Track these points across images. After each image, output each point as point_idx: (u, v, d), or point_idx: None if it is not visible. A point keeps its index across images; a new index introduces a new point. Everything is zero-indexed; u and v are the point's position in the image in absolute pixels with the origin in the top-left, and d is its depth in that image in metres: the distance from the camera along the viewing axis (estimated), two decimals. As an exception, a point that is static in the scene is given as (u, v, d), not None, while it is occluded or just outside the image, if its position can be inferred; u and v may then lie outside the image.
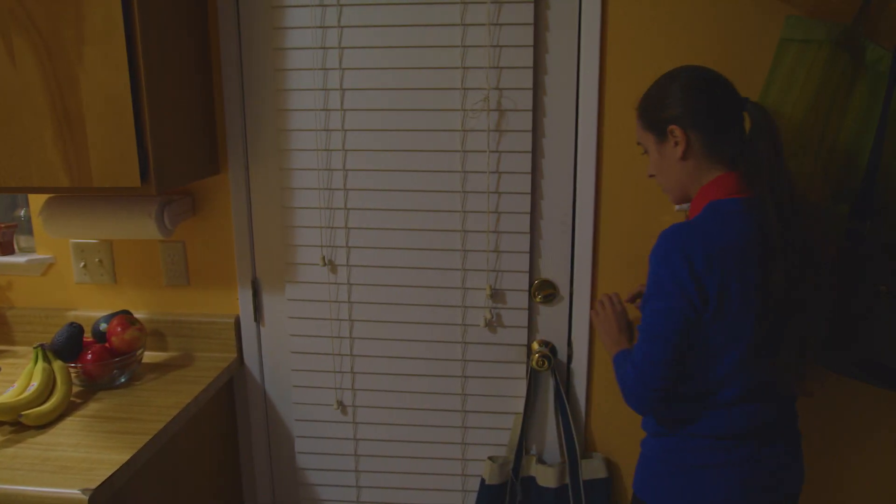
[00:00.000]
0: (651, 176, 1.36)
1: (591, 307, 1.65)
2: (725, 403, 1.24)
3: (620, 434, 1.72)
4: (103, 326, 1.66)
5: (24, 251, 1.87)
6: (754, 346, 1.22)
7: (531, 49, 1.55)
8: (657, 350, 1.22)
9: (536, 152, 1.61)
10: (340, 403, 1.78)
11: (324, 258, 1.70)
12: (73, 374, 1.58)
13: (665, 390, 1.23)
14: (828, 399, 1.64)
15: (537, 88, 1.58)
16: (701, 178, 1.27)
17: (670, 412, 1.28)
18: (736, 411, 1.24)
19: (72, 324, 1.62)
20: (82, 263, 1.81)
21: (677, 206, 1.53)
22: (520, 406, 1.71)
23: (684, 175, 1.28)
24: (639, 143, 1.36)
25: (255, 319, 1.79)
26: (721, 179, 1.25)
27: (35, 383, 1.49)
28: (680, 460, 1.28)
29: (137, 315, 1.77)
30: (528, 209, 1.62)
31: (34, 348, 1.54)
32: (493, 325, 1.70)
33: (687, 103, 1.25)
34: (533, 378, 1.70)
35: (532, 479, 1.71)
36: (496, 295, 1.68)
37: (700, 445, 1.26)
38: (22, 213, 1.87)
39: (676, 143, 1.26)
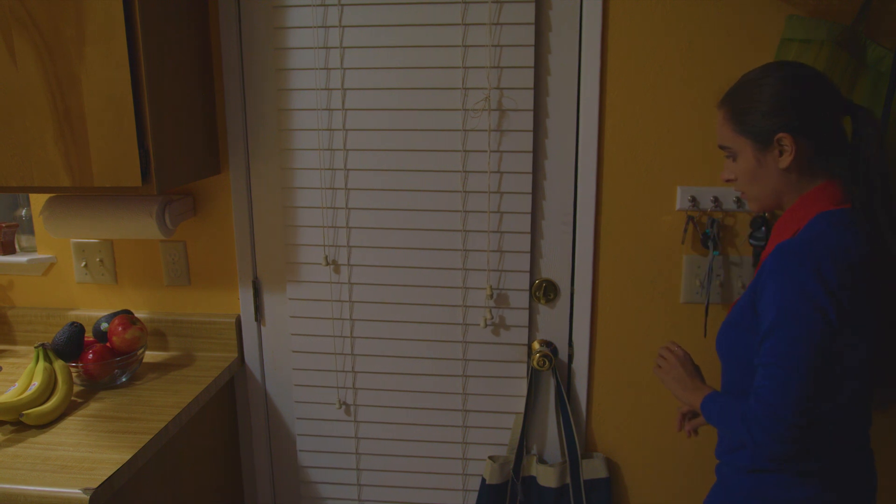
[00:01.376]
0: (729, 181, 1.24)
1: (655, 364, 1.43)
2: (852, 439, 1.15)
3: (621, 434, 1.72)
4: (104, 326, 1.66)
5: (25, 251, 1.87)
6: (874, 368, 1.13)
7: (532, 49, 1.55)
8: (794, 382, 1.05)
9: (537, 152, 1.61)
10: (343, 403, 1.78)
11: (326, 257, 1.70)
12: (74, 374, 1.58)
13: (806, 426, 1.06)
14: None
15: (538, 88, 1.58)
16: (801, 187, 1.17)
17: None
18: (841, 435, 1.14)
19: (73, 323, 1.62)
20: (83, 263, 1.81)
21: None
22: (520, 406, 1.71)
23: (784, 185, 1.18)
24: (722, 147, 1.23)
25: (256, 319, 1.79)
26: (825, 189, 1.15)
27: (36, 383, 1.49)
28: (774, 497, 1.16)
29: (138, 315, 1.77)
30: (529, 209, 1.62)
31: (35, 348, 1.54)
32: (493, 324, 1.70)
33: (797, 108, 1.14)
34: (534, 378, 1.70)
35: (533, 479, 1.71)
36: (497, 295, 1.68)
37: (796, 481, 1.15)
38: (23, 212, 1.87)
39: (782, 153, 1.15)
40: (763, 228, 1.53)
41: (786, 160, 1.15)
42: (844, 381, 1.11)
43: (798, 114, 1.14)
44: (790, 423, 1.05)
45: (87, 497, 1.20)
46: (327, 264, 1.71)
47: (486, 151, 1.61)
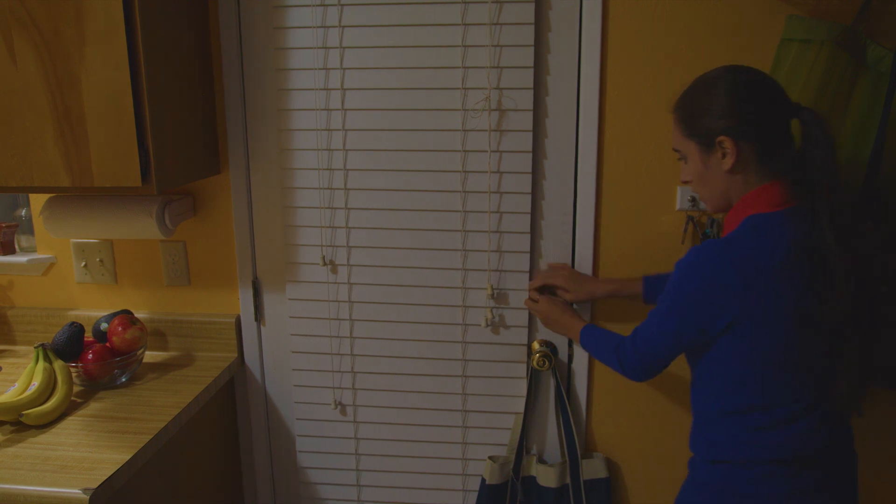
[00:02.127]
0: (686, 182, 1.29)
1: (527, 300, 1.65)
2: (781, 422, 1.18)
3: (621, 434, 1.72)
4: (104, 326, 1.66)
5: (25, 251, 1.87)
6: (802, 365, 1.17)
7: (532, 49, 1.55)
8: (662, 343, 1.25)
9: (537, 152, 1.61)
10: (339, 403, 1.78)
11: (324, 258, 1.70)
12: (73, 374, 1.58)
13: (663, 367, 1.29)
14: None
15: (538, 88, 1.58)
16: (747, 188, 1.21)
17: (725, 432, 1.22)
18: (794, 429, 1.18)
19: (73, 323, 1.62)
20: (83, 263, 1.81)
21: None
22: (520, 406, 1.71)
23: (730, 187, 1.21)
24: (675, 150, 1.28)
25: (256, 319, 1.79)
26: (765, 190, 1.18)
27: (36, 383, 1.49)
28: (743, 490, 1.20)
29: (138, 315, 1.77)
30: (529, 209, 1.62)
31: (35, 348, 1.54)
32: (493, 324, 1.70)
33: (738, 112, 1.17)
34: (533, 378, 1.70)
35: (533, 479, 1.71)
36: (497, 295, 1.68)
37: (764, 473, 1.19)
38: (23, 212, 1.87)
39: (725, 155, 1.18)
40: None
41: (728, 162, 1.18)
42: (758, 373, 1.18)
43: (738, 117, 1.17)
44: (647, 365, 1.28)
45: (86, 497, 1.20)
46: (325, 264, 1.71)
47: (485, 151, 1.61)
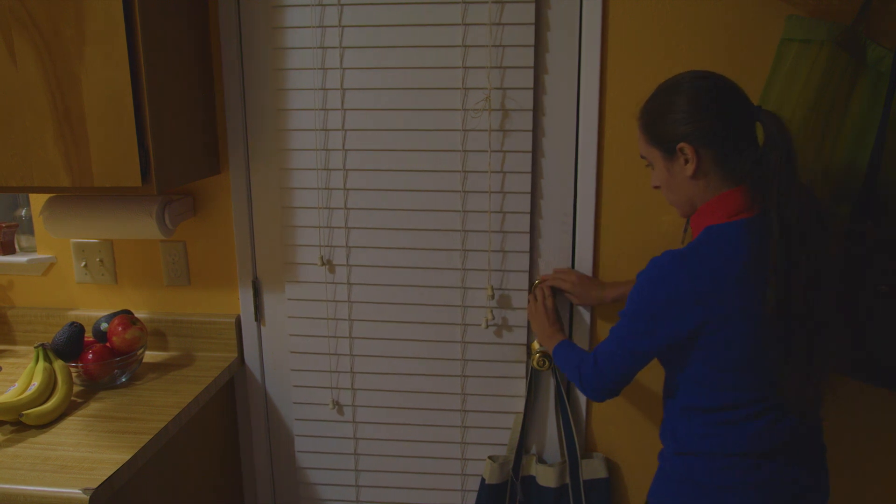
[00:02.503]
0: (656, 187, 1.29)
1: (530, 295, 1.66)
2: (743, 418, 1.20)
3: (621, 434, 1.72)
4: (104, 326, 1.66)
5: (25, 251, 1.87)
6: (763, 367, 1.18)
7: (532, 49, 1.55)
8: (620, 359, 1.26)
9: (537, 152, 1.61)
10: (336, 403, 1.78)
11: (322, 258, 1.70)
12: (73, 374, 1.58)
13: (621, 386, 1.31)
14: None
15: (538, 88, 1.58)
16: (710, 194, 1.21)
17: (687, 426, 1.25)
18: (756, 426, 1.20)
19: (73, 323, 1.62)
20: (83, 263, 1.81)
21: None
22: (520, 405, 1.71)
23: (694, 192, 1.22)
24: (643, 157, 1.29)
25: (256, 319, 1.79)
26: (723, 199, 1.19)
27: (36, 383, 1.49)
28: (703, 480, 1.23)
29: (138, 315, 1.77)
30: (529, 209, 1.62)
31: (35, 348, 1.54)
32: (493, 324, 1.70)
33: (697, 119, 1.17)
34: (533, 377, 1.70)
35: (532, 479, 1.71)
36: (496, 295, 1.68)
37: (724, 465, 1.21)
38: (23, 212, 1.87)
39: (687, 162, 1.19)
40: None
41: (689, 168, 1.19)
42: (721, 377, 1.20)
43: (698, 124, 1.17)
44: (606, 383, 1.30)
45: (86, 497, 1.20)
46: (323, 264, 1.71)
47: (485, 151, 1.61)
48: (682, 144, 1.18)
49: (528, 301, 1.63)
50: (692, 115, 1.17)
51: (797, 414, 1.21)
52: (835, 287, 1.23)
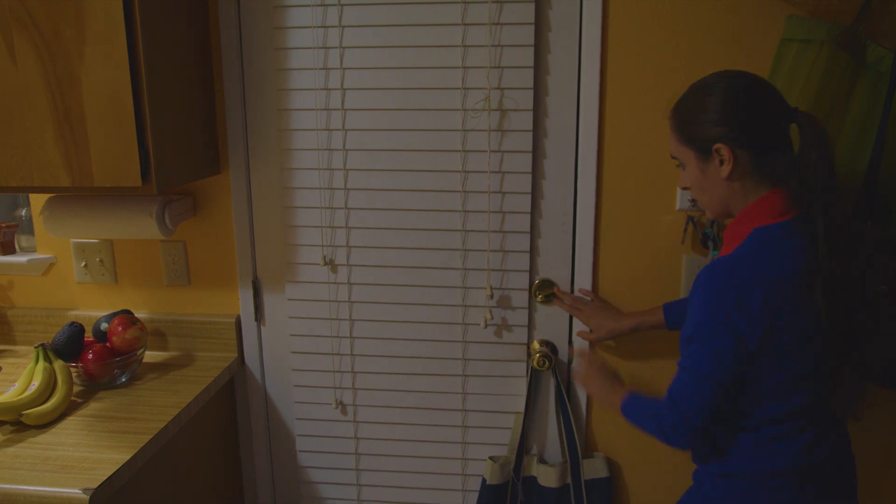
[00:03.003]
0: (685, 188, 1.27)
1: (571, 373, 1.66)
2: (792, 433, 1.17)
3: (622, 433, 1.72)
4: (104, 326, 1.66)
5: (25, 251, 1.87)
6: (815, 375, 1.16)
7: (532, 49, 1.55)
8: (702, 391, 1.16)
9: (537, 152, 1.61)
10: (340, 403, 1.78)
11: (324, 257, 1.70)
12: (73, 374, 1.58)
13: (706, 428, 1.18)
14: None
15: (538, 88, 1.58)
16: (747, 196, 1.18)
17: (736, 446, 1.21)
18: (803, 440, 1.17)
19: (73, 323, 1.62)
20: (83, 263, 1.81)
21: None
22: (520, 405, 1.71)
23: (729, 194, 1.19)
24: (673, 157, 1.26)
25: (256, 319, 1.79)
26: (766, 200, 1.17)
27: (36, 383, 1.49)
28: (747, 502, 1.19)
29: (138, 315, 1.77)
30: (529, 209, 1.62)
31: (35, 348, 1.54)
32: (493, 324, 1.70)
33: (734, 118, 1.15)
34: (533, 377, 1.70)
35: (533, 479, 1.71)
36: (497, 294, 1.68)
37: (773, 486, 1.18)
38: (23, 212, 1.87)
39: (722, 163, 1.16)
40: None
41: (725, 170, 1.16)
42: (774, 389, 1.15)
43: (735, 124, 1.15)
44: (692, 424, 1.17)
45: (86, 497, 1.20)
46: (325, 264, 1.71)
47: (485, 151, 1.61)
48: (718, 145, 1.16)
49: (575, 367, 1.58)
50: (728, 114, 1.15)
51: (839, 423, 1.20)
52: (876, 291, 1.22)
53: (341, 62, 1.60)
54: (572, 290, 1.67)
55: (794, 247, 1.13)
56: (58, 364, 1.54)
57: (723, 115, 1.16)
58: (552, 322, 1.70)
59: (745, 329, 1.12)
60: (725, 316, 1.12)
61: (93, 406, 1.53)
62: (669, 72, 1.53)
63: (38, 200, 1.79)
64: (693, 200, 1.54)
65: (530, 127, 1.59)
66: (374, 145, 1.64)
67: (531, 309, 1.69)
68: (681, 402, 1.18)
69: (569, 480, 1.68)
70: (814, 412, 1.18)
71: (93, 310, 1.83)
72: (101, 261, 1.80)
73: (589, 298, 1.64)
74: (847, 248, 1.15)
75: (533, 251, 1.66)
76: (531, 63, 1.56)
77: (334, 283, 1.72)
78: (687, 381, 1.18)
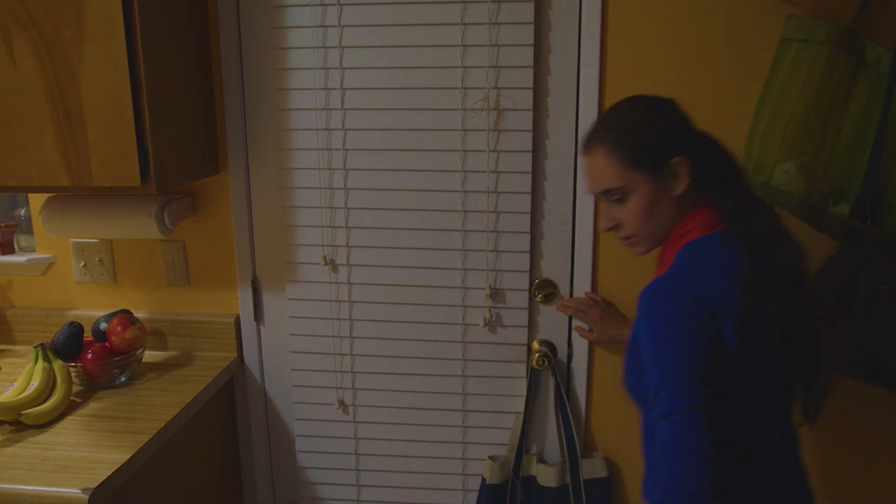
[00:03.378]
0: (612, 228, 1.17)
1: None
2: (773, 453, 1.10)
3: (621, 433, 1.72)
4: (103, 326, 1.66)
5: (24, 250, 1.87)
6: (779, 383, 1.11)
7: (531, 48, 1.55)
8: (696, 423, 0.99)
9: (537, 151, 1.61)
10: (341, 403, 1.78)
11: (325, 257, 1.70)
12: (73, 374, 1.58)
13: (717, 448, 0.99)
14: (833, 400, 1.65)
15: (538, 88, 1.58)
16: (683, 214, 1.14)
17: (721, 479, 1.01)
18: (783, 460, 1.11)
19: (72, 323, 1.62)
20: (82, 263, 1.81)
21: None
22: (520, 405, 1.71)
23: (676, 214, 1.13)
24: (607, 191, 1.14)
25: (256, 319, 1.79)
26: (697, 215, 1.12)
27: (35, 383, 1.49)
28: None
29: (137, 314, 1.77)
30: (529, 209, 1.62)
31: (34, 347, 1.54)
32: (493, 324, 1.70)
33: (680, 127, 1.12)
34: (533, 377, 1.70)
35: (533, 479, 1.71)
36: (496, 294, 1.68)
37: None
38: (22, 212, 1.87)
39: (677, 178, 1.11)
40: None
41: (682, 185, 1.11)
42: (749, 404, 1.08)
43: (682, 133, 1.13)
44: (704, 477, 0.97)
45: (86, 497, 1.20)
46: (325, 264, 1.71)
47: (485, 151, 1.61)
48: (676, 159, 1.10)
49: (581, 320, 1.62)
50: (673, 125, 1.12)
51: (808, 421, 1.16)
52: (876, 290, 1.22)
53: (341, 62, 1.60)
54: (571, 290, 1.67)
55: (730, 255, 1.08)
56: (57, 364, 1.54)
57: (668, 125, 1.12)
58: (552, 322, 1.70)
59: (710, 339, 1.03)
60: (680, 334, 1.03)
61: (92, 406, 1.53)
62: (669, 71, 1.53)
63: (37, 200, 1.79)
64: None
65: (530, 126, 1.59)
66: (373, 145, 1.64)
67: (531, 309, 1.69)
68: (683, 453, 0.99)
69: (568, 480, 1.68)
70: (769, 434, 1.11)
71: (92, 309, 1.83)
72: (100, 260, 1.80)
73: (594, 301, 1.63)
74: (783, 254, 1.11)
75: (533, 251, 1.66)
76: (531, 63, 1.56)
77: (335, 282, 1.72)
78: (677, 424, 0.99)
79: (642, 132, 1.12)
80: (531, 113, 1.58)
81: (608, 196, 1.15)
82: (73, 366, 1.57)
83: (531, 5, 1.53)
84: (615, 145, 1.12)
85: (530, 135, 1.59)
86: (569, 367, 1.71)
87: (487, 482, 1.69)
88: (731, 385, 1.04)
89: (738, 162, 1.17)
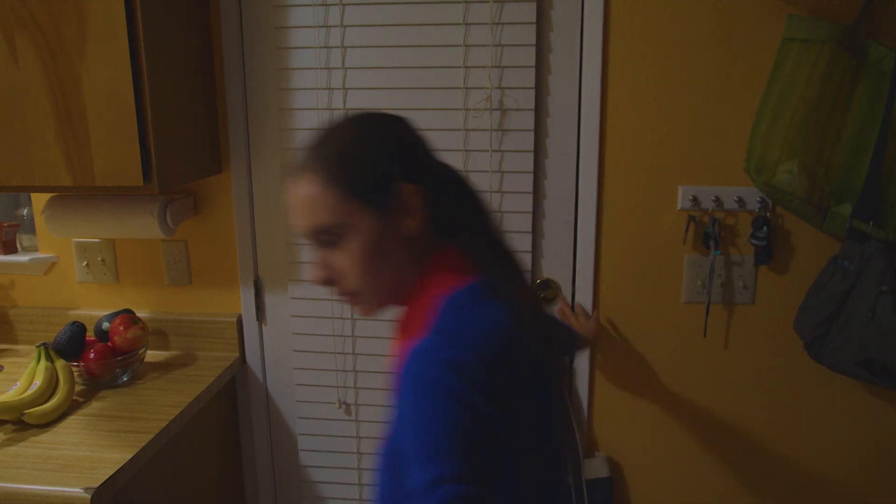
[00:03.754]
0: (328, 282, 0.91)
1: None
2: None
3: (623, 433, 1.72)
4: (106, 325, 1.66)
5: (26, 250, 1.87)
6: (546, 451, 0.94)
7: (533, 48, 1.55)
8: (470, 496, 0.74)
9: (539, 151, 1.61)
10: (343, 402, 1.78)
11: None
12: (75, 373, 1.58)
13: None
14: (820, 396, 1.65)
15: (540, 87, 1.58)
16: (421, 262, 0.91)
17: None
18: None
19: (74, 323, 1.62)
20: (85, 262, 1.81)
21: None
22: (521, 405, 1.71)
23: (409, 260, 0.90)
24: (321, 231, 0.88)
25: (258, 318, 1.79)
26: (445, 262, 0.91)
27: (37, 382, 1.50)
28: None
29: (140, 314, 1.77)
30: (531, 209, 1.62)
31: (37, 347, 1.54)
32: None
33: (417, 155, 0.89)
34: (534, 377, 1.70)
35: (533, 479, 1.70)
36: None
37: None
38: (25, 212, 1.87)
39: (408, 212, 0.87)
40: (765, 228, 1.53)
41: (414, 222, 0.88)
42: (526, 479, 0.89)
43: (419, 163, 0.90)
44: None
45: (88, 496, 1.20)
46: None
47: (487, 151, 1.61)
48: (404, 185, 0.87)
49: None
50: (406, 148, 0.89)
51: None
52: (877, 290, 1.22)
53: (343, 62, 1.60)
54: (573, 291, 1.66)
55: (497, 309, 0.87)
56: (59, 363, 1.54)
57: (399, 147, 0.89)
58: (553, 322, 1.70)
59: (488, 410, 0.79)
60: (462, 401, 0.78)
61: (94, 405, 1.53)
62: (671, 71, 1.53)
63: (39, 200, 1.79)
64: (693, 197, 1.45)
65: (532, 126, 1.59)
66: (375, 145, 1.64)
67: (532, 308, 1.69)
68: None
69: (570, 480, 1.68)
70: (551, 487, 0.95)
71: (94, 309, 1.84)
72: (102, 260, 1.80)
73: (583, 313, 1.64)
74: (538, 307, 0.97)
75: (535, 251, 1.66)
76: (533, 62, 1.56)
77: (335, 282, 1.72)
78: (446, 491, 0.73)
79: (364, 153, 0.88)
80: (533, 113, 1.58)
81: (319, 237, 0.89)
82: (75, 365, 1.57)
83: (533, 5, 1.53)
84: (327, 169, 0.87)
85: (532, 134, 1.59)
86: (570, 367, 1.71)
87: (489, 482, 1.68)
88: (504, 463, 0.83)
89: (485, 202, 0.96)
